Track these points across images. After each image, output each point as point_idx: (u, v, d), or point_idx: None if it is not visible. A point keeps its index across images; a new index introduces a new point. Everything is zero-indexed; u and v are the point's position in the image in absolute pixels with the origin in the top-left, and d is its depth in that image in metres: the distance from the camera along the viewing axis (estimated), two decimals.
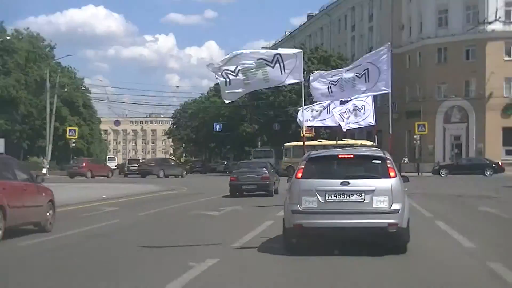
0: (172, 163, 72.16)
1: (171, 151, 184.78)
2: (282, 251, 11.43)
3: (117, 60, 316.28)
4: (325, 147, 64.12)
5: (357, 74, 21.91)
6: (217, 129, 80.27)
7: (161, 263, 10.63)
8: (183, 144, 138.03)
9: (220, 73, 17.80)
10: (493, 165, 57.79)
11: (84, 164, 62.32)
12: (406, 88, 69.12)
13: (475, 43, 65.91)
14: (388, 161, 11.35)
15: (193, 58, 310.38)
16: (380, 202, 10.74)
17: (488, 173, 56.50)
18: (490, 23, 43.92)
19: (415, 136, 64.44)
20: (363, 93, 22.94)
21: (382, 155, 11.66)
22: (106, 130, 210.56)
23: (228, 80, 17.88)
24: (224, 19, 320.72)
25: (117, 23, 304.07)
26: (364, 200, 10.76)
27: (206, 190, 36.40)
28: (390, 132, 24.76)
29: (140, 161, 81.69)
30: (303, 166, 11.38)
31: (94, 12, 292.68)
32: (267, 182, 30.14)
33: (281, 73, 18.90)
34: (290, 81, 19.94)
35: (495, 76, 64.07)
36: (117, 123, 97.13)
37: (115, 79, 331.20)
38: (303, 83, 21.77)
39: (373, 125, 29.87)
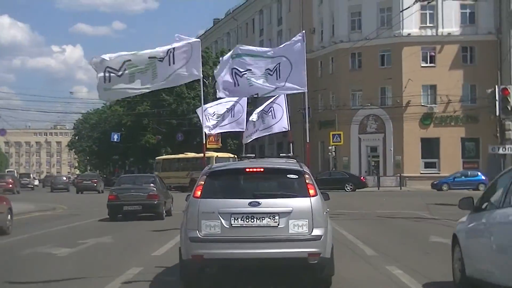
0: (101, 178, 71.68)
1: (76, 164, 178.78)
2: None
3: (23, 70, 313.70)
4: (187, 160, 65.84)
5: (268, 71, 18.19)
6: (115, 139, 74.55)
7: None
8: (87, 157, 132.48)
9: (102, 69, 15.97)
10: (354, 180, 55.48)
11: (11, 180, 62.14)
12: (318, 96, 65.10)
13: (390, 47, 62.60)
14: (307, 175, 9.74)
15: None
16: (298, 227, 9.24)
17: (348, 188, 53.62)
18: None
19: (330, 147, 60.59)
20: (273, 91, 18.77)
21: (299, 168, 9.95)
22: (7, 142, 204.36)
23: (107, 76, 15.99)
24: (132, 31, 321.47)
25: (22, 32, 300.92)
26: (278, 224, 9.23)
27: (88, 210, 30.86)
28: (307, 141, 20.71)
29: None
30: (203, 182, 9.65)
31: None
32: (155, 202, 24.38)
33: (169, 65, 16.82)
34: (183, 78, 17.93)
35: (412, 83, 60.67)
36: (2, 132, 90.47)
37: (22, 90, 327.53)
38: (201, 80, 19.09)
39: (287, 131, 24.75)
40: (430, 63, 62.11)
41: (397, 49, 61.80)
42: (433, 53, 62.12)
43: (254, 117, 24.11)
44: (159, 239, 16.78)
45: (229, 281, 10.15)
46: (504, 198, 8.32)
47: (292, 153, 23.12)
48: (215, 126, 23.64)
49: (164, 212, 24.79)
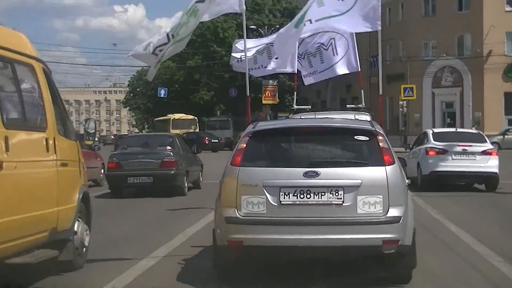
0: None
1: (134, 123, 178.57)
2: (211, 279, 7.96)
3: (86, 30, 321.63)
4: (173, 122, 62.71)
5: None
6: (162, 95, 69.94)
7: None
8: (145, 115, 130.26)
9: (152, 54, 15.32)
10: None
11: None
12: (386, 47, 58.63)
13: None
14: (380, 137, 7.83)
15: (163, 29, 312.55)
16: (369, 206, 7.36)
17: None
18: None
19: (401, 103, 55.14)
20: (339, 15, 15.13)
21: (370, 127, 8.04)
22: (67, 101, 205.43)
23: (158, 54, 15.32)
24: None
25: None
26: (343, 201, 7.37)
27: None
28: (380, 93, 16.81)
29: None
30: (244, 145, 7.83)
31: None
32: (172, 172, 18.53)
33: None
34: (223, 11, 17.25)
35: (494, 30, 54.38)
36: None
37: (86, 50, 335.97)
38: (244, 14, 17.06)
39: (351, 77, 18.80)
40: None
41: None
42: None
43: (310, 51, 17.72)
44: (156, 238, 11.29)
45: (276, 270, 8.30)
46: (414, 143, 22.22)
47: (363, 105, 17.21)
48: (256, 68, 17.89)
49: (186, 185, 19.04)
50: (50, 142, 8.00)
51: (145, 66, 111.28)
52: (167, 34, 15.37)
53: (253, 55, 17.63)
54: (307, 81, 17.89)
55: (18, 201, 7.07)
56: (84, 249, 8.94)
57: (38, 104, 8.04)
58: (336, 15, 14.99)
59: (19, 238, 7.15)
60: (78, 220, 8.76)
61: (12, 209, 6.90)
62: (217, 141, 56.81)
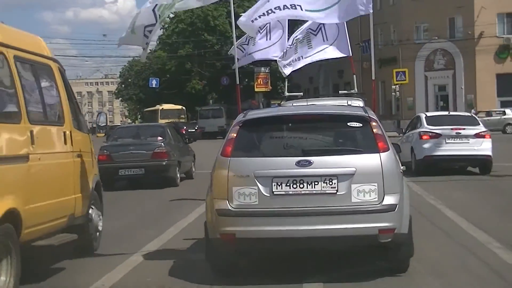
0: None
1: (127, 113, 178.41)
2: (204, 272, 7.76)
3: (76, 22, 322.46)
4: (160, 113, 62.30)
5: None
6: (154, 85, 69.14)
7: None
8: (137, 105, 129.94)
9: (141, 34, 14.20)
10: None
11: None
12: (378, 31, 58.46)
13: None
14: (374, 123, 7.66)
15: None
16: (364, 194, 7.21)
17: None
18: None
19: (393, 87, 54.56)
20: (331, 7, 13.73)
21: (364, 113, 7.88)
22: None
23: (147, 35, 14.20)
24: None
25: None
26: (337, 190, 7.22)
27: None
28: (373, 78, 15.53)
29: None
30: (235, 135, 7.64)
31: None
32: (164, 163, 18.29)
33: None
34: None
35: (485, 12, 54.15)
36: None
37: (76, 42, 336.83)
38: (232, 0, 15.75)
39: (342, 61, 18.37)
40: None
41: None
42: None
43: (298, 37, 17.35)
44: (147, 231, 11.29)
45: (270, 262, 8.37)
46: (407, 128, 22.12)
47: (356, 90, 16.99)
48: (245, 55, 17.47)
49: (178, 175, 18.82)
50: (67, 135, 8.76)
51: (136, 56, 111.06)
52: (154, 12, 14.65)
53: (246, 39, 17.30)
54: (288, 70, 17.53)
55: (41, 189, 7.79)
56: (98, 233, 9.75)
57: (56, 101, 8.85)
58: (328, 7, 13.98)
59: (43, 223, 7.84)
60: (92, 207, 9.55)
61: (37, 196, 7.60)
62: (193, 130, 56.90)
